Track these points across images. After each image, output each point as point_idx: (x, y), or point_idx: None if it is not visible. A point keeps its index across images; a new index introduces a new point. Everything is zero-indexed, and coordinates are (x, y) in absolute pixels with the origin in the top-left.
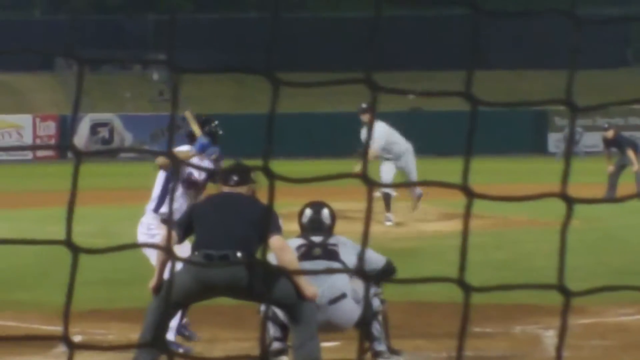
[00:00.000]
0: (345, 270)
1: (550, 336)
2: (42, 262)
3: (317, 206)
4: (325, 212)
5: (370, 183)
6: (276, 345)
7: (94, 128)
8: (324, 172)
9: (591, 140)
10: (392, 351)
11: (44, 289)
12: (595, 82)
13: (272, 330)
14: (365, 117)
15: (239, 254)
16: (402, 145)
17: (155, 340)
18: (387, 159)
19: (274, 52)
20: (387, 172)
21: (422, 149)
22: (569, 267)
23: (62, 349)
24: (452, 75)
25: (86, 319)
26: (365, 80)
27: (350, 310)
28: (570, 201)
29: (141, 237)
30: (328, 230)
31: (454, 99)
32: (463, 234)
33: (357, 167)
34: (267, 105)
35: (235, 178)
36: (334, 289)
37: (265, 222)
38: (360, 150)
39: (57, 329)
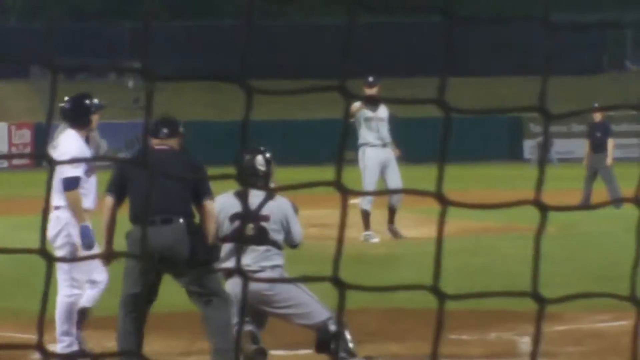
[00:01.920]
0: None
1: (525, 342)
2: (18, 270)
3: (253, 152)
4: (260, 158)
5: (345, 191)
6: (247, 327)
7: None
8: (302, 179)
9: (565, 147)
10: (352, 355)
11: (20, 298)
12: (572, 88)
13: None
14: (369, 90)
15: (180, 220)
16: (388, 138)
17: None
18: (373, 146)
19: (249, 60)
20: (369, 184)
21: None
22: (546, 273)
23: (37, 357)
24: (428, 81)
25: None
26: (339, 88)
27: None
28: (544, 208)
29: (52, 232)
30: (264, 177)
31: (428, 106)
32: (437, 241)
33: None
34: (243, 112)
35: (165, 130)
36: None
37: (198, 182)
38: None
39: (32, 337)
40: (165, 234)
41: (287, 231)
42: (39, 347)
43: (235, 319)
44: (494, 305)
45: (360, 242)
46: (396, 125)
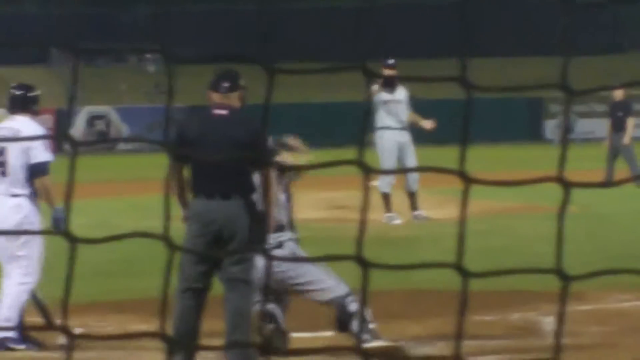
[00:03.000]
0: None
1: (549, 322)
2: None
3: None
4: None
5: (367, 170)
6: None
7: (91, 121)
8: (320, 161)
9: (587, 126)
10: (375, 336)
11: (43, 283)
12: (591, 69)
13: (272, 308)
14: (387, 72)
15: (239, 197)
16: (405, 122)
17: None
18: (391, 129)
19: (270, 42)
20: (387, 168)
21: (417, 137)
22: (567, 252)
23: (62, 340)
24: (447, 63)
25: (84, 311)
26: (361, 68)
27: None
28: (567, 185)
29: (12, 218)
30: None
31: (449, 87)
32: (460, 219)
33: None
34: (263, 95)
35: (225, 85)
36: None
37: (258, 150)
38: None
39: (56, 321)
40: (225, 208)
41: None
42: (64, 329)
43: (255, 303)
44: (517, 286)
45: (382, 224)
46: (416, 106)
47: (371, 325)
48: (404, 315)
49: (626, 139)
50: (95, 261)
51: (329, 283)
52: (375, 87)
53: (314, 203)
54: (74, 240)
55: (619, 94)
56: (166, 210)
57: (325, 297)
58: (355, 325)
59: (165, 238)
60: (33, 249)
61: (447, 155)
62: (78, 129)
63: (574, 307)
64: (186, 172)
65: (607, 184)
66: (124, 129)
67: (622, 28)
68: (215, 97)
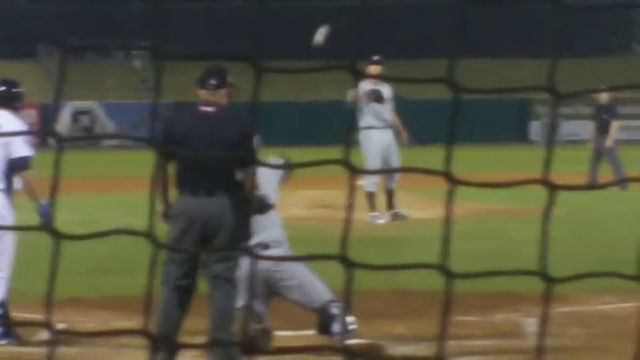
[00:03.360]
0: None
1: (531, 324)
2: (26, 251)
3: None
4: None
5: (353, 170)
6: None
7: (76, 116)
8: (308, 160)
9: (571, 128)
10: (355, 337)
11: (27, 278)
12: (580, 70)
13: (257, 307)
14: (373, 68)
15: (224, 194)
16: (390, 120)
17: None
18: (375, 128)
19: (259, 40)
20: (372, 167)
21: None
22: (553, 255)
23: (44, 336)
24: (437, 63)
25: (67, 307)
26: (347, 67)
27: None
28: (552, 187)
29: None
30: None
31: (435, 87)
32: (446, 221)
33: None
34: (251, 93)
35: (213, 82)
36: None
37: (245, 148)
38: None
39: (38, 317)
40: (209, 205)
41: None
42: (47, 325)
43: (239, 302)
44: (500, 287)
45: (366, 223)
46: (403, 106)
47: (352, 327)
48: (388, 315)
49: (609, 142)
50: (80, 257)
51: (316, 287)
52: (356, 92)
53: (297, 201)
54: (58, 237)
55: (604, 97)
56: (151, 208)
57: (311, 301)
58: (336, 327)
59: (149, 235)
60: (5, 245)
61: (434, 156)
62: (63, 124)
63: (557, 309)
64: (171, 169)
65: (592, 187)
66: (110, 125)
67: (613, 32)
68: (203, 94)
